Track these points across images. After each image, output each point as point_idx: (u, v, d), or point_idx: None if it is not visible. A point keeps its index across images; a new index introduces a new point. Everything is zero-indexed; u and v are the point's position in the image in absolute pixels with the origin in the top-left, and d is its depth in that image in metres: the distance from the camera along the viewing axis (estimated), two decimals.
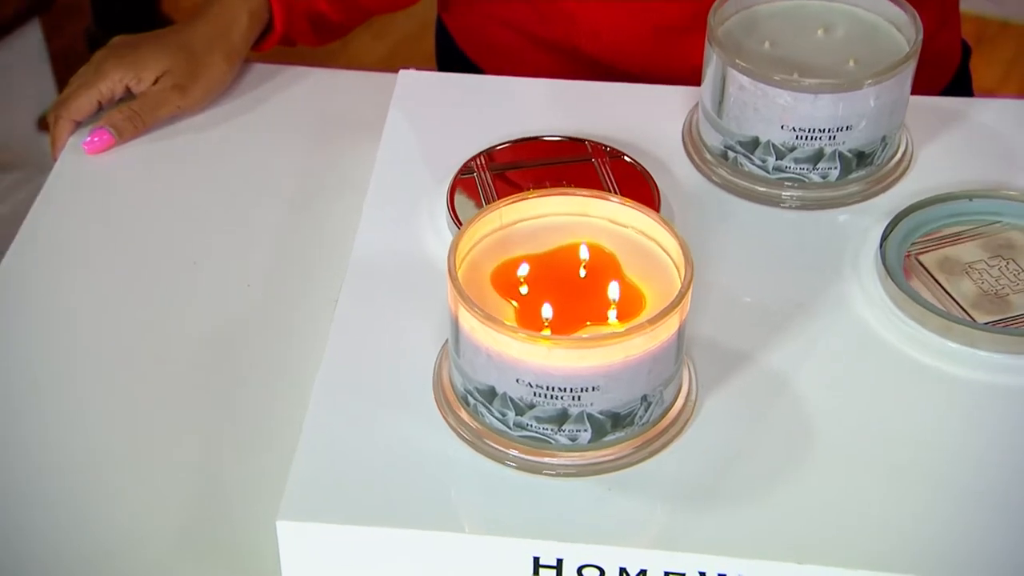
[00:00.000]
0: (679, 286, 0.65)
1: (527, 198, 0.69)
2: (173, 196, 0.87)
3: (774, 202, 0.81)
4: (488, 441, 0.67)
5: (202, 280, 0.82)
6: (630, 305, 0.66)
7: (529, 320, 0.65)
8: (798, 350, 0.72)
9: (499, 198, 0.78)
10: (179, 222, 0.85)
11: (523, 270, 0.67)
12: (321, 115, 0.92)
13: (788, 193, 0.80)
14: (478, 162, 0.81)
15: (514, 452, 0.66)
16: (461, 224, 0.77)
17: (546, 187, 0.79)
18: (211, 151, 0.90)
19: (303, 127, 0.91)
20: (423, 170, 0.82)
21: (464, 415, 0.68)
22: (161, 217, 0.86)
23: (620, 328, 0.64)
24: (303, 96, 0.94)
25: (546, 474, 0.66)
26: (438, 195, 0.80)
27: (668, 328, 0.63)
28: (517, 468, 0.66)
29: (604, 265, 0.68)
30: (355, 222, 0.79)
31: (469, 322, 0.64)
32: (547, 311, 0.65)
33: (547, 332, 0.65)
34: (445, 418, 0.68)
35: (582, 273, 0.68)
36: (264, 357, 0.77)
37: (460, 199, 0.79)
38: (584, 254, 0.68)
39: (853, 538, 0.64)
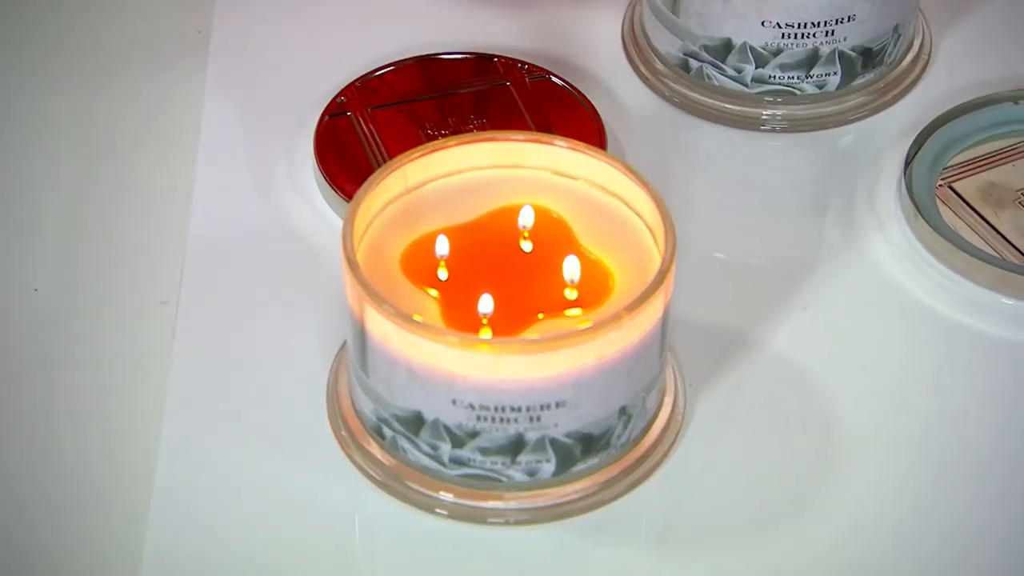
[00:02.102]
0: (656, 256, 0.67)
1: (439, 148, 0.70)
2: None
3: (754, 124, 0.83)
4: (411, 483, 0.68)
5: None
6: (593, 286, 0.68)
7: (461, 317, 0.66)
8: (807, 323, 0.74)
9: (385, 144, 0.79)
10: None
11: (443, 248, 0.68)
12: (116, 38, 0.91)
13: (772, 111, 0.82)
14: (350, 95, 0.82)
15: (447, 497, 0.68)
16: (335, 184, 0.78)
17: (448, 126, 0.81)
18: None
19: (90, 57, 0.90)
20: (274, 110, 0.83)
21: (376, 450, 0.69)
22: None
23: (588, 320, 0.66)
24: (86, 14, 0.93)
25: (492, 523, 0.68)
26: (300, 145, 0.81)
27: (651, 315, 0.65)
28: (452, 518, 0.68)
29: (552, 234, 0.69)
30: (185, 190, 0.79)
31: (381, 327, 0.64)
32: (485, 304, 0.66)
33: (488, 333, 0.66)
34: (350, 456, 0.69)
35: (524, 247, 0.69)
36: (75, 391, 0.75)
37: (331, 150, 0.80)
38: (524, 220, 0.69)
39: (910, 572, 0.67)
